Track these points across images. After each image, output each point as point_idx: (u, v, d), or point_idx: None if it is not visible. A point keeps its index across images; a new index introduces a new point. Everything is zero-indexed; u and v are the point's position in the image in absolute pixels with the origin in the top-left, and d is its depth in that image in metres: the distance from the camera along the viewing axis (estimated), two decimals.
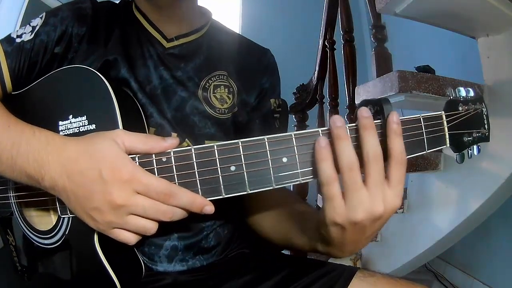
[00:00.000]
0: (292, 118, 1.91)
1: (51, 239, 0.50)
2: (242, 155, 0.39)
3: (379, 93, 1.07)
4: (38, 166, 0.40)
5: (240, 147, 0.39)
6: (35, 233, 0.53)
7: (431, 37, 2.17)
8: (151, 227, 0.40)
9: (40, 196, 0.49)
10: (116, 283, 0.46)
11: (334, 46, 1.65)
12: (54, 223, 0.50)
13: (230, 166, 0.39)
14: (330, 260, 0.66)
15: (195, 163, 0.39)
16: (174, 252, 0.60)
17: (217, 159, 0.39)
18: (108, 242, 0.44)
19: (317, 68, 1.79)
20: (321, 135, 0.39)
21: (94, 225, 0.41)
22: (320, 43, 1.74)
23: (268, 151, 0.39)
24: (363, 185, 0.37)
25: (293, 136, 0.39)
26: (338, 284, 0.54)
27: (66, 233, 0.48)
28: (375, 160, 0.37)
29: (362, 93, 1.19)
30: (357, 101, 1.25)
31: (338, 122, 0.37)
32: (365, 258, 1.68)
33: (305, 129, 1.74)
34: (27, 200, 0.52)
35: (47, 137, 0.42)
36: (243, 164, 0.39)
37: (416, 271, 1.75)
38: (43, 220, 0.52)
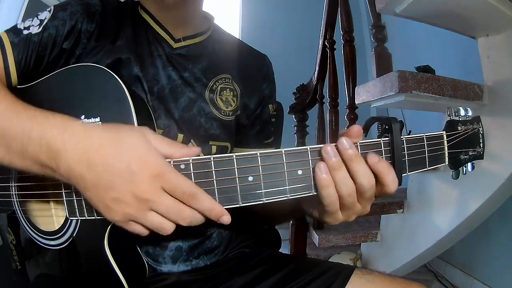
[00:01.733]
0: (292, 118, 1.91)
1: (57, 240, 0.50)
2: (260, 166, 0.39)
3: (379, 93, 1.07)
4: (53, 154, 0.38)
5: (259, 158, 0.39)
6: (39, 234, 0.52)
7: (431, 37, 2.17)
8: (169, 228, 0.39)
9: (43, 197, 0.48)
10: (124, 284, 0.46)
11: (334, 46, 1.65)
12: (60, 224, 0.49)
13: (248, 176, 0.39)
14: (330, 259, 0.66)
15: (213, 171, 0.39)
16: (178, 253, 0.61)
17: (236, 168, 0.39)
18: (114, 244, 0.44)
19: (317, 68, 1.79)
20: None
21: (109, 215, 0.39)
22: (320, 43, 1.74)
23: (285, 163, 0.40)
24: (357, 201, 0.41)
25: (308, 150, 0.40)
26: (337, 281, 0.54)
27: (74, 234, 0.48)
28: (371, 189, 0.40)
29: (362, 93, 1.19)
30: (357, 101, 1.24)
31: (331, 153, 0.39)
32: (365, 258, 1.68)
33: (305, 129, 1.73)
34: (30, 200, 0.52)
35: (63, 122, 0.39)
36: (261, 175, 0.39)
37: (416, 271, 1.75)
38: (46, 220, 0.52)
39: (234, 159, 0.39)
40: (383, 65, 1.26)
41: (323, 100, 1.78)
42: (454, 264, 1.94)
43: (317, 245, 1.46)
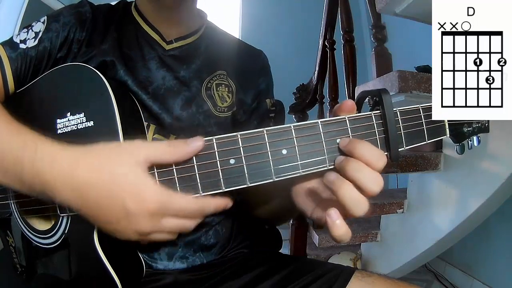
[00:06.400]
0: (292, 118, 1.91)
1: (50, 239, 0.50)
2: (241, 148, 0.38)
3: None
4: (47, 190, 0.38)
5: (239, 139, 0.38)
6: (34, 233, 0.52)
7: (431, 37, 2.17)
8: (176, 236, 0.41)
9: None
10: (117, 282, 0.46)
11: (334, 46, 1.65)
12: (53, 223, 0.49)
13: (230, 159, 0.38)
14: (329, 261, 0.66)
15: (193, 157, 0.38)
16: (174, 249, 0.60)
17: (216, 152, 0.38)
18: (108, 241, 0.44)
19: (317, 68, 1.79)
20: (320, 125, 0.38)
21: (118, 236, 0.40)
22: (320, 43, 1.74)
23: (267, 143, 0.38)
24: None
25: (292, 127, 0.38)
26: (336, 284, 0.54)
27: (66, 232, 0.48)
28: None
29: None
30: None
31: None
32: (365, 258, 1.68)
33: None
34: (26, 200, 0.52)
35: (51, 156, 0.38)
36: (243, 157, 0.38)
37: (416, 271, 1.75)
38: (42, 220, 0.52)
39: (214, 143, 0.38)
40: (383, 65, 1.27)
41: (323, 100, 1.78)
42: (454, 264, 1.94)
43: (317, 245, 1.46)
